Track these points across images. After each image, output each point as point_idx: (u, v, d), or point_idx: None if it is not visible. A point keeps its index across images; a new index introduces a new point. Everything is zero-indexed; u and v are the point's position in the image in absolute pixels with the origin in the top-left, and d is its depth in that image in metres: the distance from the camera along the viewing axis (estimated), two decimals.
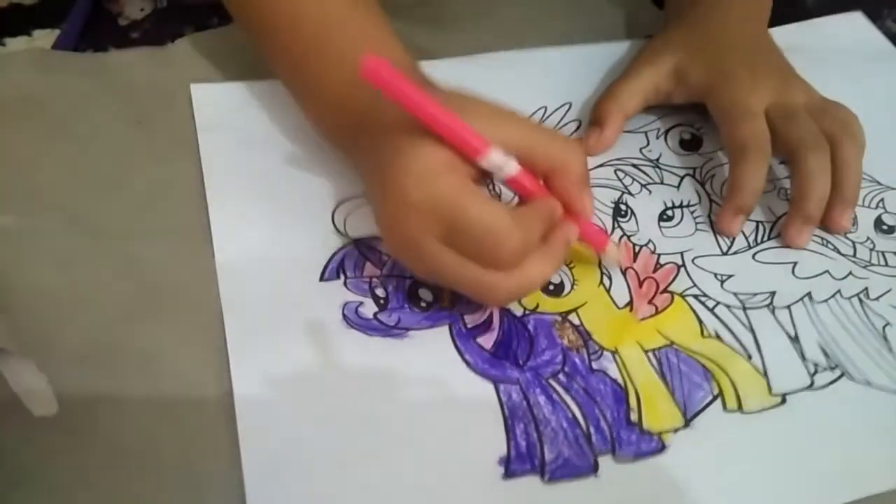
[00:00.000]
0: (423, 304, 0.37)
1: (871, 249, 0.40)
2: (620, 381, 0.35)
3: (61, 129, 0.42)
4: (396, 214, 0.32)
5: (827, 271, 0.39)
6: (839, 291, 0.38)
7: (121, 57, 0.46)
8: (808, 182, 0.39)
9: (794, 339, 0.37)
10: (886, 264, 0.40)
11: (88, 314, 0.36)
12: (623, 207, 0.42)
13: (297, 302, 0.37)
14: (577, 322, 0.37)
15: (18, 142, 0.41)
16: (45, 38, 0.48)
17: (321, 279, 0.38)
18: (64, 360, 0.34)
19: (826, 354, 0.36)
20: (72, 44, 0.48)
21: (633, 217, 0.41)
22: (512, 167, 0.33)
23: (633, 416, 0.34)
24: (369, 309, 0.37)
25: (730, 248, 0.40)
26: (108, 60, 0.46)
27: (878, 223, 0.42)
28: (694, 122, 0.46)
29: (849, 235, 0.41)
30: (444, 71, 0.44)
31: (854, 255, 0.40)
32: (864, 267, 0.40)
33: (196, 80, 0.44)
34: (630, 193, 0.42)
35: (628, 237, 0.40)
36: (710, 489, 0.32)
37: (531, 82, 0.47)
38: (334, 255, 0.39)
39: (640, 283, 0.39)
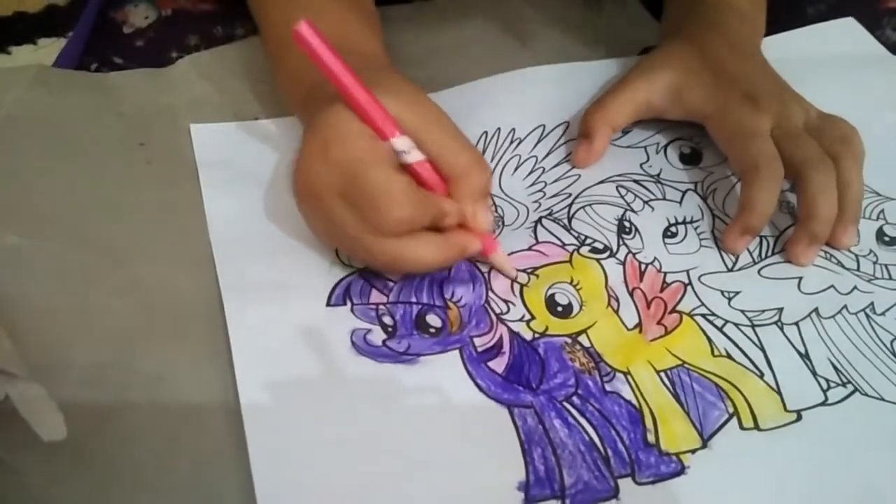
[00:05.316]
0: (431, 331, 0.37)
1: (875, 262, 0.41)
2: (635, 402, 0.35)
3: (64, 149, 0.42)
4: (310, 165, 0.35)
5: (832, 286, 0.39)
6: (845, 307, 0.39)
7: (124, 78, 0.46)
8: (814, 202, 0.39)
9: (805, 356, 0.37)
10: (891, 277, 0.40)
11: (93, 336, 0.36)
12: (627, 224, 0.42)
13: (305, 327, 0.36)
14: (587, 344, 0.37)
15: (21, 160, 0.41)
16: (50, 46, 0.48)
17: (328, 304, 0.37)
18: (69, 382, 0.34)
19: (837, 370, 0.36)
20: (77, 53, 0.48)
21: (637, 234, 0.41)
22: (413, 156, 0.35)
23: (651, 438, 0.34)
24: (378, 336, 0.36)
25: (735, 264, 0.40)
26: (111, 81, 0.46)
27: (880, 235, 0.42)
28: (693, 135, 0.46)
29: (852, 249, 0.41)
30: (444, 97, 0.45)
31: (858, 269, 0.40)
32: (869, 281, 0.40)
33: (197, 101, 0.44)
34: (633, 210, 0.42)
35: (634, 255, 0.40)
36: None
37: (529, 101, 0.47)
38: (340, 281, 0.38)
39: (648, 304, 0.39)
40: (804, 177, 0.39)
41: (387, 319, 0.37)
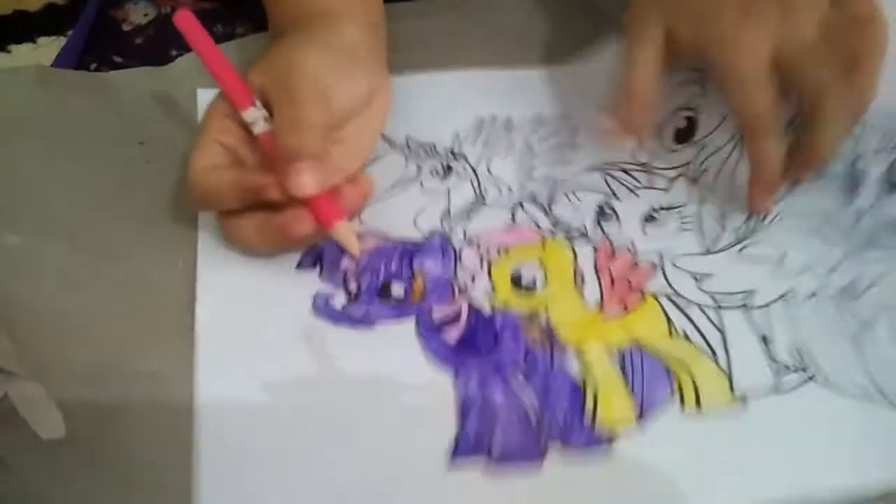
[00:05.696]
0: (393, 300, 0.38)
1: (873, 225, 0.38)
2: (580, 376, 0.35)
3: (64, 149, 0.42)
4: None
5: (815, 264, 0.37)
6: (821, 289, 0.36)
7: (123, 77, 0.46)
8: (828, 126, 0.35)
9: (766, 340, 0.35)
10: (880, 246, 0.37)
11: (93, 336, 0.36)
12: (608, 211, 0.41)
13: (269, 288, 0.37)
14: (544, 319, 0.37)
15: (21, 160, 0.41)
16: (50, 45, 0.48)
17: (297, 266, 0.39)
18: (69, 382, 0.34)
19: (798, 355, 0.34)
20: (77, 51, 0.48)
21: (616, 219, 0.40)
22: (257, 127, 0.36)
23: (588, 411, 0.33)
24: (339, 301, 0.38)
25: (714, 245, 0.39)
26: (110, 80, 0.46)
27: (891, 173, 0.38)
28: (691, 98, 0.42)
29: (855, 202, 0.38)
30: (441, 85, 0.46)
31: (851, 234, 0.38)
32: (855, 254, 0.37)
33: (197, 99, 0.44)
34: (616, 197, 0.41)
35: (608, 238, 0.40)
36: (657, 485, 0.31)
37: (528, 96, 0.46)
38: (314, 246, 0.39)
39: (613, 284, 0.38)
40: (819, 103, 0.35)
41: (352, 286, 0.38)
